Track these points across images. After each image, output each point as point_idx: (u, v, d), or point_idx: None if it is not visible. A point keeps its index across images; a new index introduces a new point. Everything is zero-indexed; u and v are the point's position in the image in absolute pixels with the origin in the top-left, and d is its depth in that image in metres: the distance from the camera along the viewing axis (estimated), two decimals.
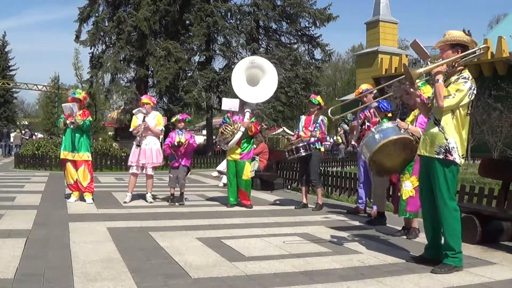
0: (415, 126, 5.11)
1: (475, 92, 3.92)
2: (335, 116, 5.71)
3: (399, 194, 5.27)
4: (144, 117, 7.63)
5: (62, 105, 7.58)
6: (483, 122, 17.84)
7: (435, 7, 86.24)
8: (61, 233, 5.16)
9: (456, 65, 3.98)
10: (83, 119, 7.48)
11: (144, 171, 7.74)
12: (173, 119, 7.96)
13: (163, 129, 7.96)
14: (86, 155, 7.63)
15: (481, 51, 3.99)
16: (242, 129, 7.52)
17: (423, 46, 5.58)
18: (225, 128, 7.59)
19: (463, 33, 4.07)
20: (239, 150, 7.63)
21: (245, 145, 7.68)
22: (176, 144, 7.57)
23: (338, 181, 9.47)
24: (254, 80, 7.80)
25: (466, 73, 3.97)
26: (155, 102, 8.38)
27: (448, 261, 3.94)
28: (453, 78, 3.97)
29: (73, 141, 7.52)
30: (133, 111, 8.06)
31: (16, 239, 4.77)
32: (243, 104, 7.64)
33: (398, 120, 4.77)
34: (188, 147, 7.67)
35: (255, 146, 10.25)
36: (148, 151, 7.64)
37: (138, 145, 7.56)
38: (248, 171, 7.77)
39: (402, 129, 4.48)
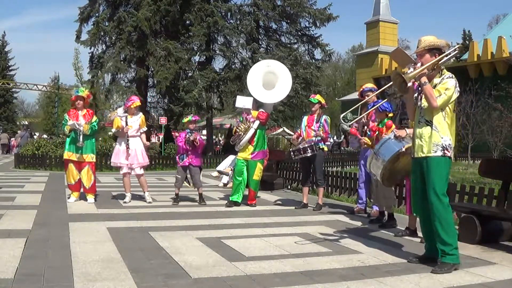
0: None
1: (458, 88, 4.13)
2: (349, 123, 6.06)
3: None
4: (127, 120, 7.60)
5: (68, 123, 7.51)
6: (483, 122, 17.84)
7: (435, 7, 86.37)
8: (61, 233, 5.16)
9: (435, 68, 4.18)
10: (89, 125, 7.49)
11: (133, 172, 7.73)
12: (185, 120, 7.94)
13: (146, 129, 7.96)
14: (90, 157, 7.66)
15: (457, 51, 4.35)
16: (255, 125, 7.56)
17: (407, 53, 5.81)
18: (239, 126, 7.68)
19: (435, 37, 4.29)
20: (251, 149, 7.66)
21: (259, 143, 7.70)
22: (189, 140, 7.56)
23: (338, 181, 9.47)
24: (270, 84, 7.92)
25: (448, 73, 4.18)
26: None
27: (447, 260, 3.96)
28: (436, 80, 4.14)
29: (77, 142, 7.51)
30: (117, 115, 8.04)
31: (16, 239, 4.77)
32: (258, 106, 7.75)
33: (394, 131, 4.86)
34: (200, 145, 7.71)
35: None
36: (133, 151, 7.61)
37: (128, 147, 7.55)
38: (259, 171, 7.80)
39: (401, 139, 4.55)
